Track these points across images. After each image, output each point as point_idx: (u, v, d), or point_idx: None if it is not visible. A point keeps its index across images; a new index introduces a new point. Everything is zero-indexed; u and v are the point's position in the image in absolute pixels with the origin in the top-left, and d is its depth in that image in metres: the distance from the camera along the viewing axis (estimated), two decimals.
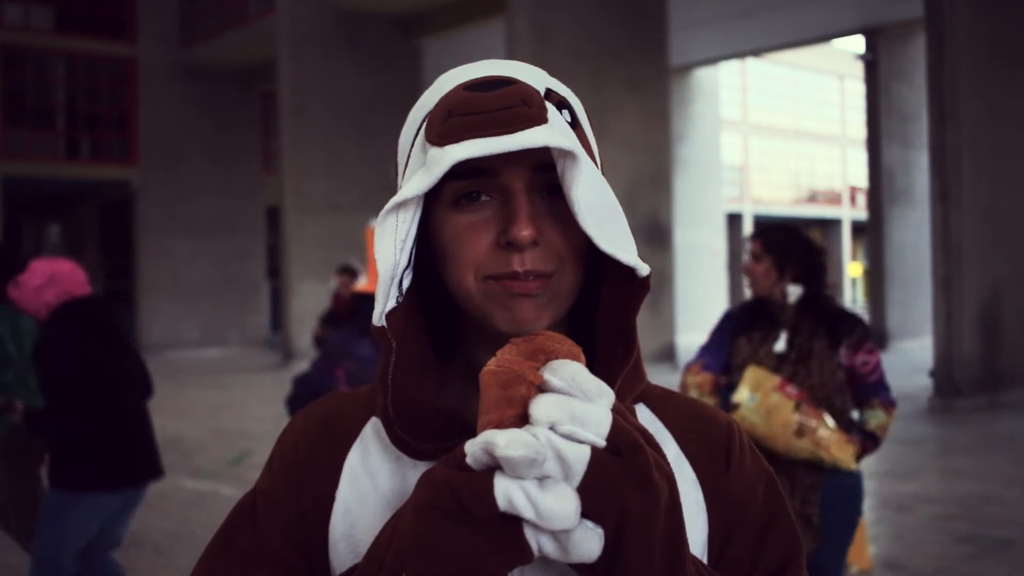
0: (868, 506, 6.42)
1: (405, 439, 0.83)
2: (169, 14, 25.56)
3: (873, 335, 3.16)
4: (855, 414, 3.16)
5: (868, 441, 3.07)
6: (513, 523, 0.66)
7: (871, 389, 3.11)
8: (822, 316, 3.08)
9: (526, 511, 0.65)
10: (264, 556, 0.85)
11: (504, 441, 0.64)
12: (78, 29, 25.04)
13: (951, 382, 11.12)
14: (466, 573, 0.67)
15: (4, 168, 23.53)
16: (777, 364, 3.06)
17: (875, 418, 3.10)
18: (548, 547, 0.67)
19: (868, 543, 5.33)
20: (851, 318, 3.11)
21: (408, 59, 21.28)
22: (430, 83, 0.87)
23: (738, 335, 3.21)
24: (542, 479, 0.65)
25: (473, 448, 0.67)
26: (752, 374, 3.04)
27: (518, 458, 0.64)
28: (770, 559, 0.86)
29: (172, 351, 23.87)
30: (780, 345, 3.06)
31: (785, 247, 3.13)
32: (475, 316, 0.81)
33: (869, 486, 7.12)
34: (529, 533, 0.66)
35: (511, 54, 15.34)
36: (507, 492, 0.65)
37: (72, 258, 4.12)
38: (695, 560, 0.77)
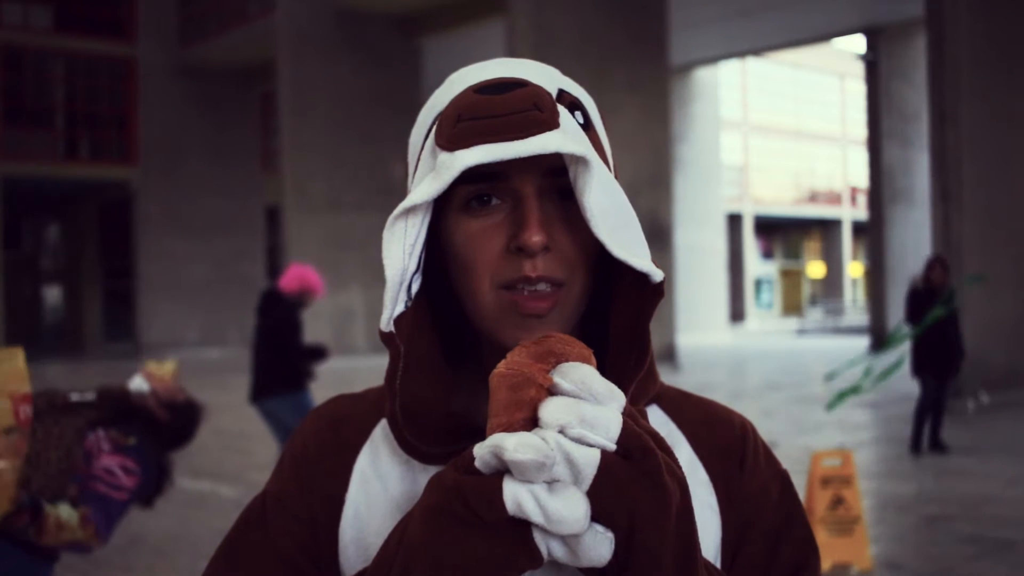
0: (868, 506, 6.41)
1: (414, 443, 0.82)
2: (169, 14, 25.55)
3: (151, 457, 2.79)
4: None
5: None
6: (522, 527, 0.65)
7: (96, 501, 2.64)
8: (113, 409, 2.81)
9: (535, 516, 0.64)
10: (274, 558, 0.85)
11: (513, 445, 0.64)
12: (77, 29, 25.03)
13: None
14: None
15: (4, 168, 23.52)
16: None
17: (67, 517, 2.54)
18: (558, 551, 0.66)
19: (868, 543, 5.33)
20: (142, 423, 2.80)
21: (408, 59, 21.27)
22: (430, 83, 0.87)
23: None
24: (551, 483, 0.65)
25: (482, 452, 0.66)
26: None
27: (527, 462, 0.63)
28: (785, 562, 0.85)
29: (172, 351, 23.83)
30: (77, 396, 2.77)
31: None
32: (484, 326, 0.80)
33: (869, 486, 7.12)
34: (538, 537, 0.65)
35: (511, 54, 15.33)
36: (516, 496, 0.64)
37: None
38: (708, 565, 0.76)
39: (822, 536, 5.18)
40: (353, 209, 20.27)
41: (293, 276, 6.59)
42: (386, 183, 20.38)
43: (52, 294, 30.12)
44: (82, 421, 2.72)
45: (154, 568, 5.58)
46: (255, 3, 23.28)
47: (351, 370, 11.82)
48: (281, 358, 6.35)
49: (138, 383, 2.87)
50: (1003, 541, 5.73)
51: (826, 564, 5.16)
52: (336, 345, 17.80)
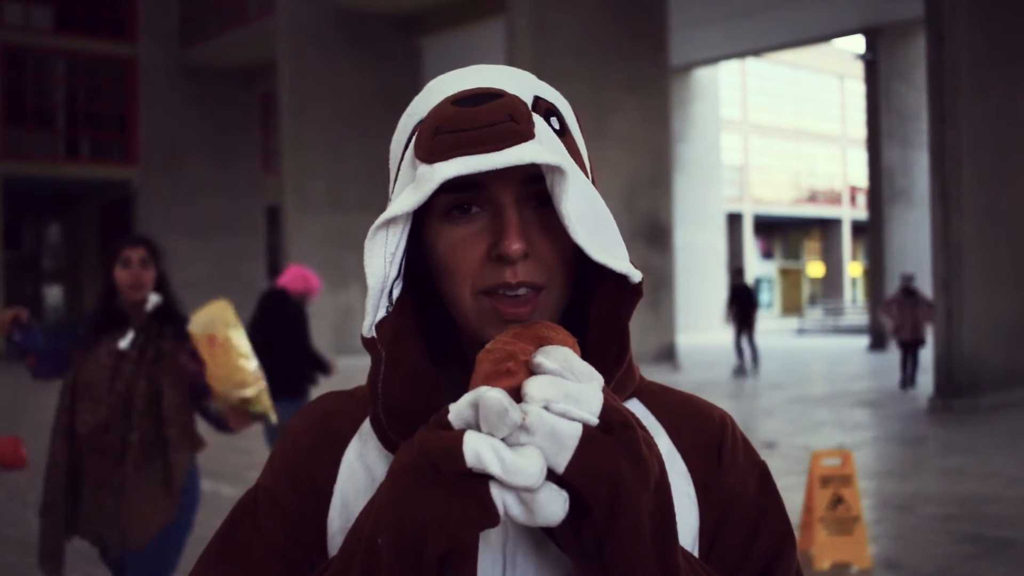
0: (868, 506, 6.42)
1: (398, 442, 0.83)
2: (169, 14, 25.56)
3: None
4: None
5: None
6: (480, 482, 0.66)
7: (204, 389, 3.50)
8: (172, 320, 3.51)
9: (492, 465, 0.65)
10: (266, 552, 0.87)
11: (487, 387, 0.67)
12: (78, 29, 25.04)
13: (951, 382, 11.12)
14: (432, 532, 0.68)
15: (4, 168, 23.53)
16: (117, 362, 3.31)
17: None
18: (514, 509, 0.67)
19: (868, 542, 5.34)
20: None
21: (408, 59, 21.28)
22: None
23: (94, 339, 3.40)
24: (513, 446, 0.67)
25: (459, 404, 0.68)
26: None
27: (492, 402, 0.65)
28: (761, 552, 0.87)
29: None
30: (125, 343, 3.34)
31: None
32: (467, 329, 0.83)
33: (869, 486, 7.13)
34: (495, 493, 0.67)
35: (511, 54, 15.35)
36: (475, 446, 0.66)
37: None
38: (684, 553, 0.78)
39: (822, 535, 5.19)
40: (353, 209, 20.28)
41: (296, 276, 6.57)
42: (386, 183, 20.36)
43: (53, 293, 30.12)
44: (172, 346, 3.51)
45: None
46: (255, 3, 23.29)
47: (351, 369, 11.84)
48: (291, 360, 6.32)
49: (154, 300, 3.50)
50: (1003, 541, 5.74)
51: (826, 563, 5.17)
52: (336, 345, 17.79)
